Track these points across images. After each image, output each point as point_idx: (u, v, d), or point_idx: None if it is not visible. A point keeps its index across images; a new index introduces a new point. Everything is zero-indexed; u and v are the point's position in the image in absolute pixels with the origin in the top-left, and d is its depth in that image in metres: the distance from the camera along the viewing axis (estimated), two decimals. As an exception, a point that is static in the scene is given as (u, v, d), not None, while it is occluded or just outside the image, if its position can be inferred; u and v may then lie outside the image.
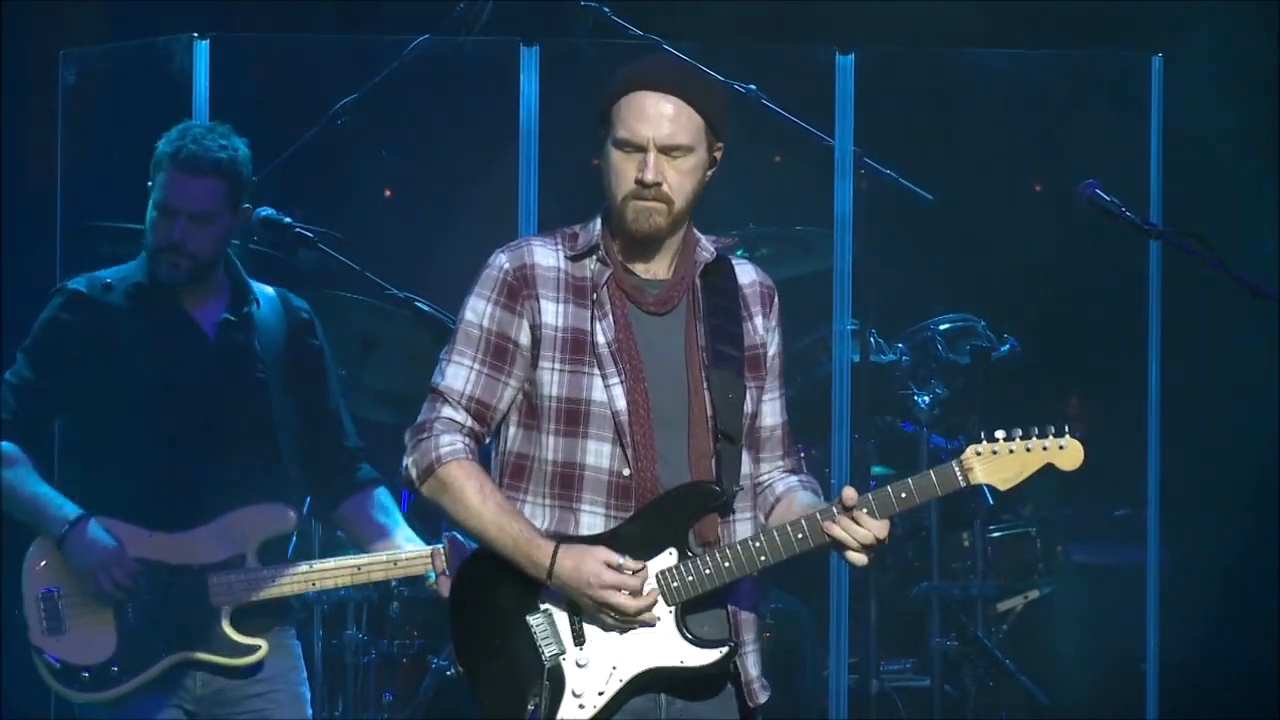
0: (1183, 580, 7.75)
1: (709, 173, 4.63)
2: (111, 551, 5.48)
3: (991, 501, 7.78)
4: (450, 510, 4.54)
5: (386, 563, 5.62)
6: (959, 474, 4.55)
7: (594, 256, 4.63)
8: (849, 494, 4.52)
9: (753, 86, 6.91)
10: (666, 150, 4.55)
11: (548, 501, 4.57)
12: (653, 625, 4.50)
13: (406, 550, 5.64)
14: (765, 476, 4.73)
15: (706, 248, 4.68)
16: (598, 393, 4.56)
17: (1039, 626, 7.90)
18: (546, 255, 4.63)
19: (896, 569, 7.76)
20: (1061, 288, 8.40)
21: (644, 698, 4.52)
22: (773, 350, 4.72)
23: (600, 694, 4.50)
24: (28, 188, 7.55)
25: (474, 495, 4.52)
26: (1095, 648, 7.81)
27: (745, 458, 4.65)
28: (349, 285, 6.63)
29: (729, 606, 4.58)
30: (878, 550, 4.54)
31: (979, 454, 4.56)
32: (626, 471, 4.54)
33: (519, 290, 4.59)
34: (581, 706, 4.49)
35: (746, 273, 4.75)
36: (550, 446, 4.57)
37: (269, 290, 5.82)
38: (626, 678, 4.50)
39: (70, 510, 5.52)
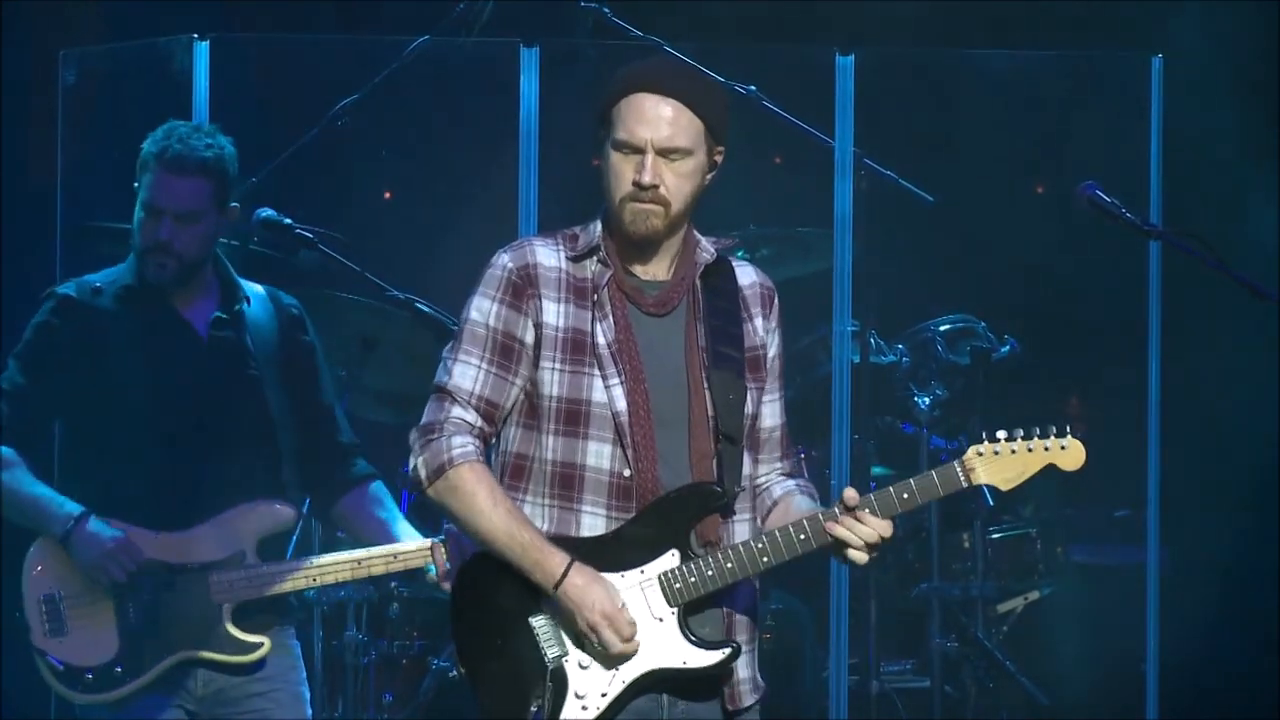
0: (1183, 580, 7.75)
1: (708, 176, 4.63)
2: (118, 541, 5.48)
3: (991, 502, 7.77)
4: (458, 513, 4.53)
5: (386, 556, 5.62)
6: (961, 474, 4.56)
7: (594, 258, 4.63)
8: (850, 494, 4.52)
9: (753, 87, 6.91)
10: (665, 153, 4.55)
11: (548, 502, 4.57)
12: (627, 660, 4.50)
13: (406, 544, 5.63)
14: (763, 479, 4.73)
15: (707, 249, 4.68)
16: (598, 393, 4.56)
17: (1039, 627, 7.90)
18: (548, 255, 4.63)
19: (896, 570, 7.76)
20: (1061, 288, 8.40)
21: (646, 698, 4.52)
22: (773, 351, 4.73)
23: (603, 695, 4.50)
24: (28, 188, 7.54)
25: (485, 499, 4.51)
26: (1095, 648, 7.81)
27: (745, 458, 4.65)
28: (349, 286, 6.63)
29: (727, 608, 4.59)
30: (879, 550, 4.54)
31: (981, 454, 4.56)
32: (627, 472, 4.54)
33: (524, 289, 4.59)
34: (584, 708, 4.49)
35: (746, 274, 4.75)
36: (550, 447, 4.57)
37: (258, 288, 5.81)
38: (629, 679, 4.50)
39: (72, 507, 5.52)
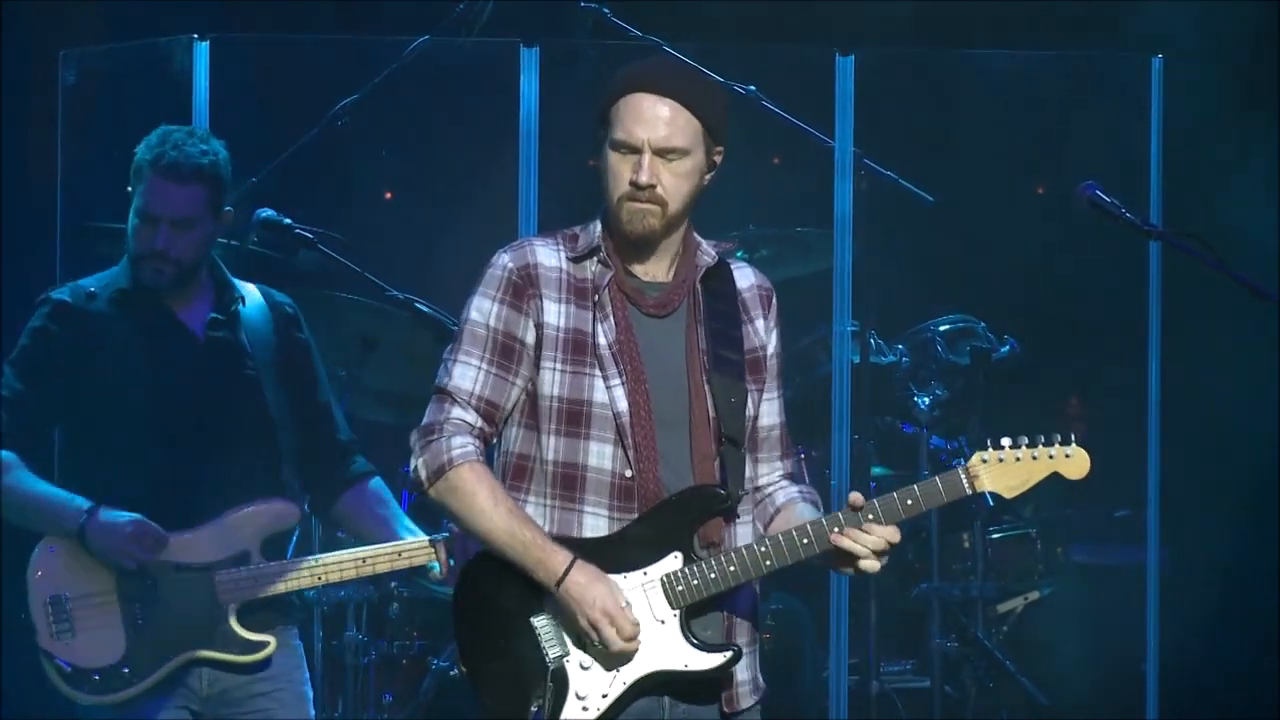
0: (1183, 580, 7.75)
1: (707, 176, 4.63)
2: (137, 524, 5.48)
3: (992, 503, 7.77)
4: (459, 513, 4.53)
5: (390, 554, 5.62)
6: (965, 481, 4.56)
7: (595, 258, 4.63)
8: (856, 497, 4.52)
9: (753, 87, 6.91)
10: (662, 153, 4.55)
11: (550, 502, 4.57)
12: (628, 661, 4.50)
13: (410, 541, 5.63)
14: (764, 480, 4.73)
15: (708, 252, 4.68)
16: (599, 394, 4.56)
17: (1039, 627, 7.90)
18: (549, 256, 4.63)
19: (897, 570, 7.75)
20: (1061, 288, 8.40)
21: (647, 700, 4.52)
22: (771, 351, 4.73)
23: (604, 696, 4.50)
24: (28, 188, 7.54)
25: (485, 499, 4.51)
26: (1095, 648, 7.81)
27: (746, 460, 4.65)
28: (349, 286, 6.63)
29: (728, 610, 4.59)
30: (888, 553, 4.55)
31: (985, 461, 4.56)
32: (629, 473, 4.54)
33: (524, 289, 4.59)
34: (585, 709, 4.49)
35: (745, 276, 4.75)
36: (552, 447, 4.57)
37: (251, 287, 5.81)
38: (630, 680, 4.50)
39: (81, 502, 5.52)
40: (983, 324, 7.87)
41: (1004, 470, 4.57)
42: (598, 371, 4.57)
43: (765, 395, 4.71)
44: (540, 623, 4.52)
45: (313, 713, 5.72)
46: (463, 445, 4.53)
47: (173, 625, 5.52)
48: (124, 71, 7.12)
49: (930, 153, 7.87)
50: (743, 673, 4.62)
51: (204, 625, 5.53)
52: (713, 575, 4.52)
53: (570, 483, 4.55)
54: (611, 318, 4.60)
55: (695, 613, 4.53)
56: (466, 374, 4.58)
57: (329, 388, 5.90)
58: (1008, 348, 7.82)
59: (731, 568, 4.52)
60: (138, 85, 7.09)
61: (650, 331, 4.61)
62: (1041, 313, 8.30)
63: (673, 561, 4.52)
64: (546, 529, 4.54)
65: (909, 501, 4.54)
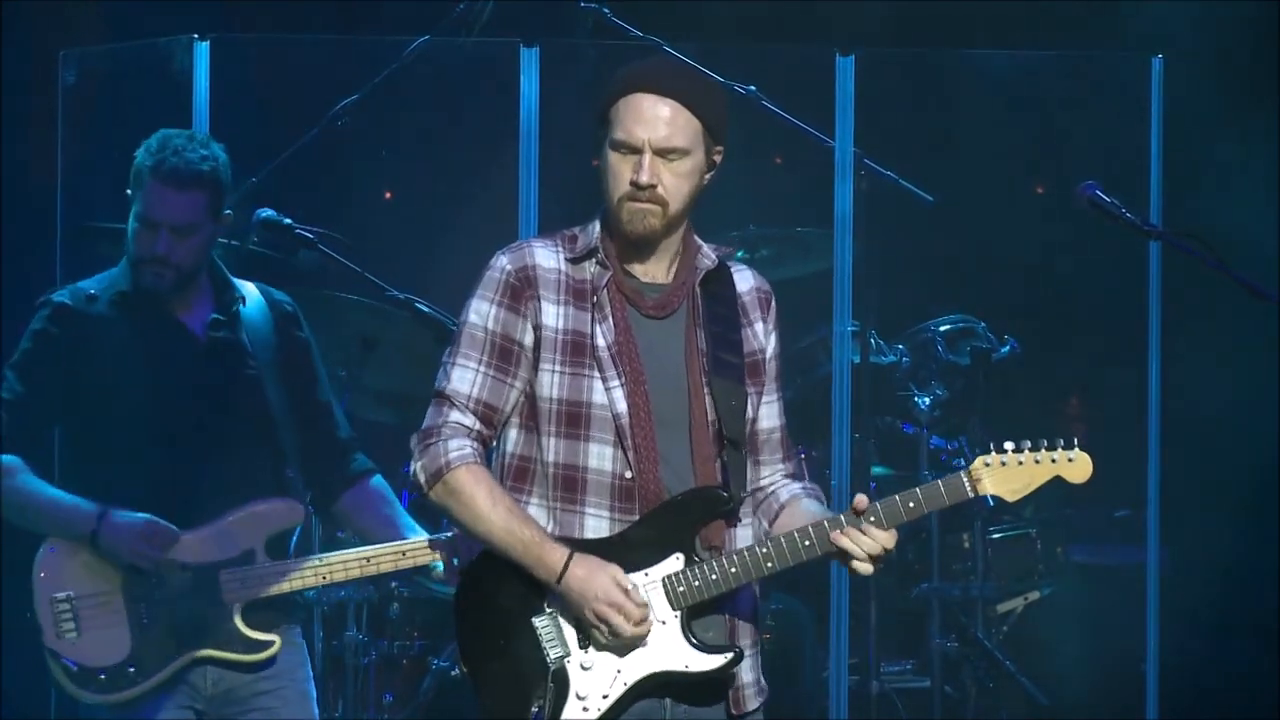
0: (1183, 580, 7.75)
1: (707, 176, 4.63)
2: (150, 525, 5.48)
3: (992, 503, 7.77)
4: (459, 515, 4.54)
5: (394, 553, 5.61)
6: (967, 485, 4.56)
7: (593, 259, 4.63)
8: (860, 500, 4.52)
9: (753, 87, 6.91)
10: (662, 153, 4.55)
11: (551, 504, 4.57)
12: (644, 644, 4.50)
13: (414, 540, 5.63)
14: (766, 481, 4.73)
15: (708, 255, 4.68)
16: (598, 395, 4.56)
17: (1039, 627, 7.90)
18: (547, 257, 4.63)
19: (897, 570, 7.75)
20: (1061, 288, 8.40)
21: (648, 701, 4.53)
22: (770, 353, 4.73)
23: (604, 696, 4.50)
24: (28, 188, 7.54)
25: (484, 500, 4.52)
26: (1095, 648, 7.81)
27: (746, 463, 4.65)
28: (349, 286, 6.63)
29: (729, 612, 4.59)
30: (883, 558, 4.55)
31: (988, 465, 4.56)
32: (629, 474, 4.54)
33: (522, 291, 4.59)
34: (585, 709, 4.49)
35: (745, 279, 4.75)
36: (552, 449, 4.57)
37: (250, 286, 5.81)
38: (631, 681, 4.50)
39: (90, 505, 5.52)
40: (983, 324, 7.88)
41: (1006, 474, 4.57)
42: (597, 373, 4.57)
43: (765, 398, 4.71)
44: (541, 623, 4.52)
45: (316, 711, 5.72)
46: (460, 448, 4.54)
47: (178, 624, 5.52)
48: (124, 71, 7.12)
49: (930, 153, 7.87)
50: (747, 674, 4.62)
51: (210, 625, 5.53)
52: (714, 576, 4.52)
53: (571, 484, 4.55)
54: (610, 319, 4.60)
55: (696, 614, 4.53)
56: (464, 377, 4.58)
57: (329, 386, 5.90)
58: (1008, 348, 7.83)
59: (733, 569, 4.52)
60: (138, 85, 7.09)
61: (650, 333, 4.61)
62: (1041, 313, 8.30)
63: (674, 563, 4.52)
64: (550, 530, 4.53)
65: (911, 504, 4.54)
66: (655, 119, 4.55)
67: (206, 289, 5.72)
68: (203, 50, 6.91)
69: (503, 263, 4.62)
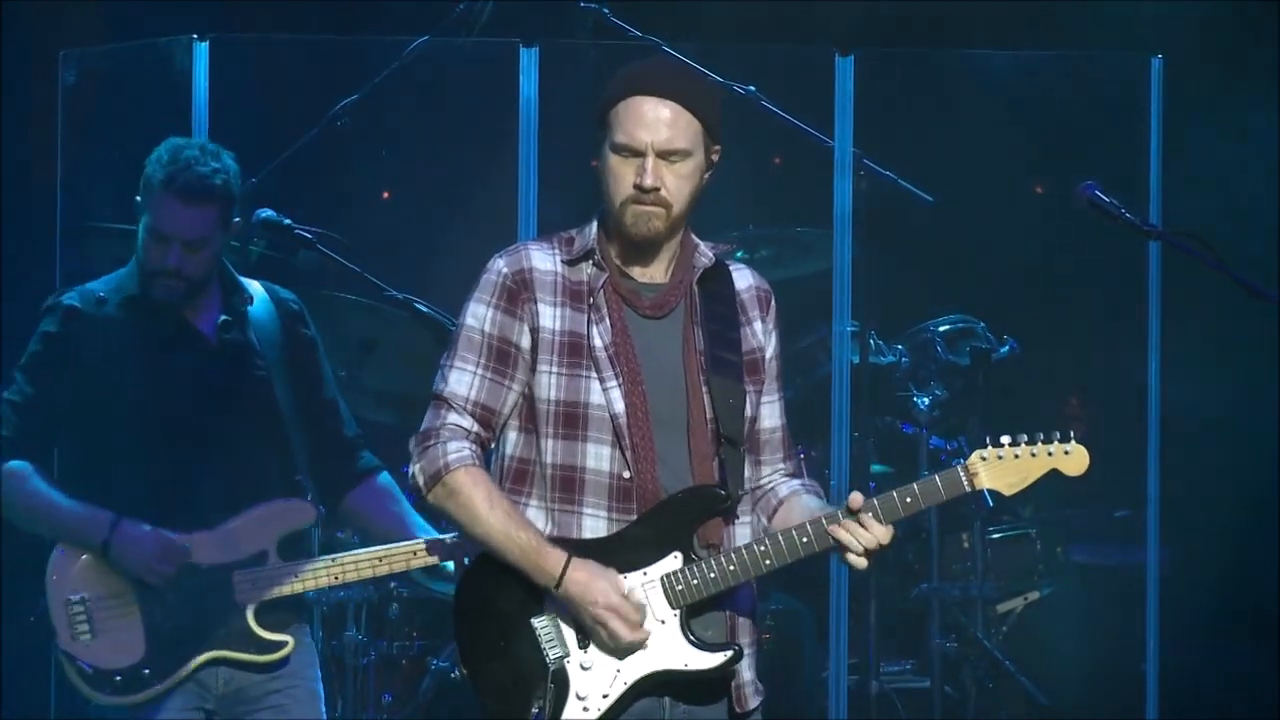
0: (1183, 580, 7.75)
1: (706, 175, 4.64)
2: (161, 540, 5.48)
3: (991, 503, 7.78)
4: (457, 517, 4.55)
5: (407, 552, 5.61)
6: (964, 479, 4.56)
7: (590, 260, 4.63)
8: (856, 498, 4.52)
9: (752, 87, 6.91)
10: (665, 155, 4.56)
11: (549, 505, 4.57)
12: (629, 661, 4.50)
13: (427, 539, 5.63)
14: (766, 480, 4.73)
15: (705, 253, 4.68)
16: (595, 396, 4.56)
17: (1039, 627, 7.90)
18: (543, 259, 4.63)
19: (896, 570, 7.76)
20: (1061, 288, 8.40)
21: (648, 700, 4.53)
22: (770, 353, 4.73)
23: (604, 696, 4.50)
24: (28, 188, 7.54)
25: (482, 503, 4.52)
26: (1095, 648, 7.81)
27: (745, 462, 4.65)
28: (348, 286, 6.63)
29: (728, 610, 4.59)
30: (878, 553, 4.55)
31: (984, 459, 4.56)
32: (627, 474, 4.54)
33: (518, 294, 4.59)
34: (585, 709, 4.50)
35: (744, 278, 4.75)
36: (550, 450, 4.57)
37: (256, 285, 5.81)
38: (631, 680, 4.51)
39: (103, 515, 5.51)
40: (983, 324, 7.88)
41: (1003, 468, 4.57)
42: (594, 374, 4.57)
43: (765, 398, 4.71)
44: (540, 624, 4.53)
45: (324, 710, 5.72)
46: (458, 450, 4.54)
47: (191, 625, 5.52)
48: (124, 71, 7.12)
49: (930, 152, 7.86)
50: (746, 672, 4.62)
51: (223, 626, 5.53)
52: (712, 575, 4.52)
53: (569, 485, 4.56)
54: (607, 319, 4.60)
55: (695, 612, 4.53)
56: (462, 380, 4.58)
57: (334, 384, 5.90)
58: (1008, 348, 7.83)
59: (731, 567, 4.52)
60: (138, 85, 7.09)
61: (647, 333, 4.62)
62: (1041, 313, 8.30)
63: (672, 561, 4.52)
64: (548, 531, 4.54)
65: (908, 500, 4.54)
66: (656, 121, 4.55)
67: (216, 291, 5.72)
68: (202, 50, 6.91)
69: (499, 266, 4.62)
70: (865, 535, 4.52)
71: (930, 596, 7.64)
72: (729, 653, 4.53)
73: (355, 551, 5.62)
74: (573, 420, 4.56)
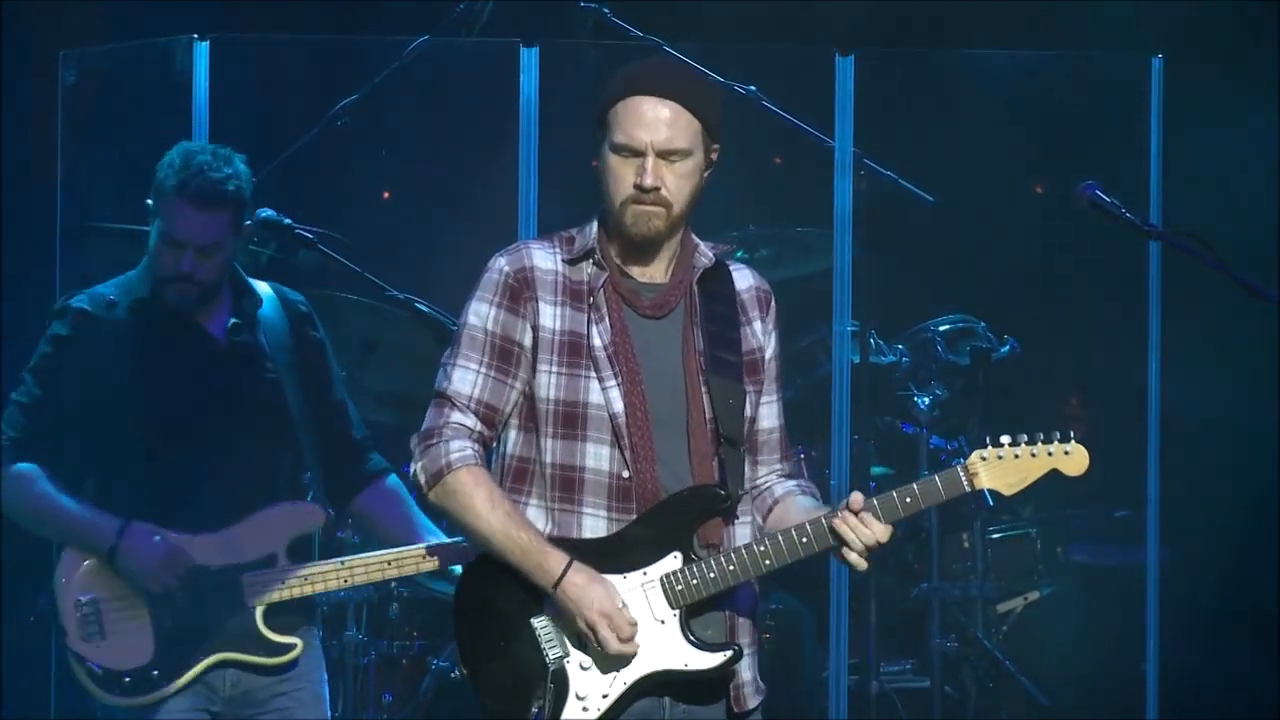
0: (1183, 580, 7.75)
1: (706, 174, 4.64)
2: (168, 548, 5.48)
3: (991, 503, 7.78)
4: (458, 516, 4.55)
5: (418, 555, 5.61)
6: (964, 479, 4.56)
7: (590, 260, 4.64)
8: (856, 498, 4.53)
9: (753, 87, 6.91)
10: (665, 154, 4.56)
11: (549, 505, 4.57)
12: (628, 662, 4.50)
13: (437, 543, 5.63)
14: (762, 480, 4.73)
15: (705, 253, 4.69)
16: (594, 395, 4.57)
17: (1039, 627, 7.90)
18: (544, 259, 4.64)
19: (896, 570, 7.76)
20: (1061, 288, 8.40)
21: (648, 700, 4.53)
22: (770, 353, 4.73)
23: (604, 696, 4.50)
24: (28, 188, 7.54)
25: (483, 502, 4.52)
26: (1095, 648, 7.81)
27: (744, 461, 4.65)
28: (349, 286, 6.63)
29: (728, 610, 4.59)
30: (877, 553, 4.55)
31: (984, 459, 4.56)
32: (626, 474, 4.55)
33: (520, 293, 4.60)
34: (585, 709, 4.50)
35: (744, 278, 4.75)
36: (550, 450, 4.58)
37: (264, 287, 5.82)
38: (630, 680, 4.51)
39: (110, 520, 5.51)
40: (983, 324, 7.88)
41: (1003, 468, 4.57)
42: (593, 373, 4.58)
43: (764, 398, 4.71)
44: (540, 624, 4.53)
45: (329, 712, 5.73)
46: (461, 449, 4.54)
47: (201, 628, 5.53)
48: (124, 71, 7.12)
49: (930, 152, 7.86)
50: (746, 672, 4.63)
51: (232, 628, 5.54)
52: (712, 575, 4.52)
53: (569, 484, 4.56)
54: (607, 319, 4.60)
55: (695, 612, 4.54)
56: (465, 378, 4.59)
57: (342, 385, 5.91)
58: (1008, 348, 7.83)
59: (731, 567, 4.53)
60: (138, 85, 7.08)
61: (647, 333, 4.62)
62: (1041, 313, 8.30)
63: (672, 561, 4.53)
64: (547, 531, 4.54)
65: (908, 499, 4.54)
66: (656, 121, 4.55)
67: (226, 294, 5.73)
68: (202, 50, 6.90)
69: (500, 264, 4.63)
70: (865, 532, 4.52)
71: (930, 596, 7.63)
72: (729, 653, 4.54)
73: (365, 555, 5.63)
74: (572, 420, 4.56)
